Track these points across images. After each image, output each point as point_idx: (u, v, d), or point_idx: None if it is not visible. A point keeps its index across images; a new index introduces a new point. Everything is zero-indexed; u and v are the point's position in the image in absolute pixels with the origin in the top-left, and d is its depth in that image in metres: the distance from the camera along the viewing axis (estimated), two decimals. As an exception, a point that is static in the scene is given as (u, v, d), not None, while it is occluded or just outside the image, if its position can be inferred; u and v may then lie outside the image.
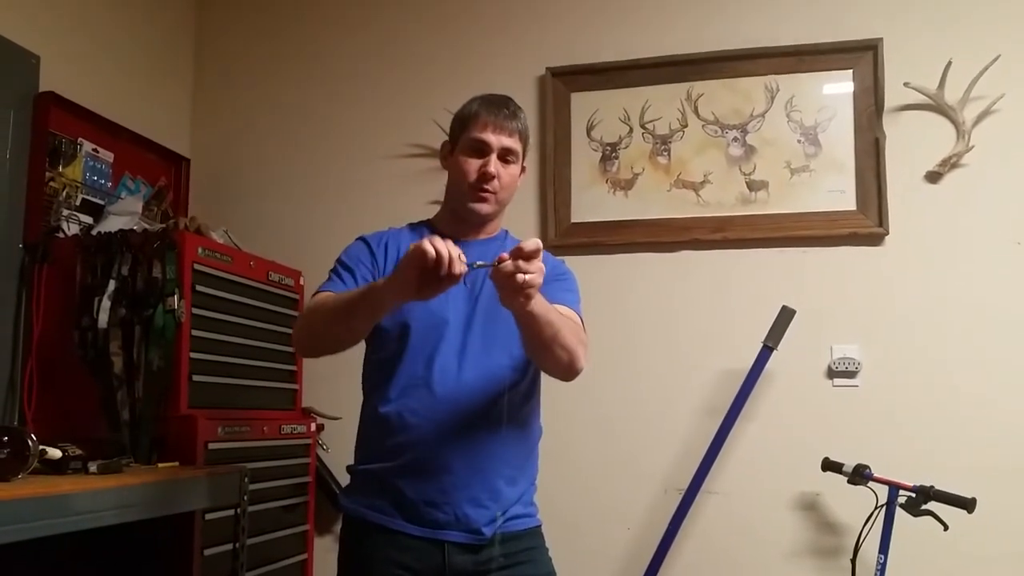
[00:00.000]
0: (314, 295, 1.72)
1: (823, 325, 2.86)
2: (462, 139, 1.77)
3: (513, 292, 1.37)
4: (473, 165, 1.74)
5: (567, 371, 1.62)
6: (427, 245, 1.35)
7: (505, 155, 1.75)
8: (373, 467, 1.70)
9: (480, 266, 1.42)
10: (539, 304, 1.46)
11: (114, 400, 2.44)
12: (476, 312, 1.71)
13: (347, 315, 1.55)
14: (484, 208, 1.75)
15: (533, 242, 1.36)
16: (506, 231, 1.87)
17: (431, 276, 1.37)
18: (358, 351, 1.80)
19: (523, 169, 1.83)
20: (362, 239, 1.81)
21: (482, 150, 1.74)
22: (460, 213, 1.77)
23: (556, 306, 1.59)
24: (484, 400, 1.67)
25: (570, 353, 1.58)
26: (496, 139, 1.73)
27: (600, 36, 3.18)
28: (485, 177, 1.73)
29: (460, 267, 1.37)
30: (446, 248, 1.36)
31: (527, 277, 1.35)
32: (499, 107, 1.76)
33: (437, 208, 1.90)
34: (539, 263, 1.37)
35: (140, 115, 3.18)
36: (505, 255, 1.36)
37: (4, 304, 2.62)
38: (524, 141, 1.79)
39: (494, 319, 1.69)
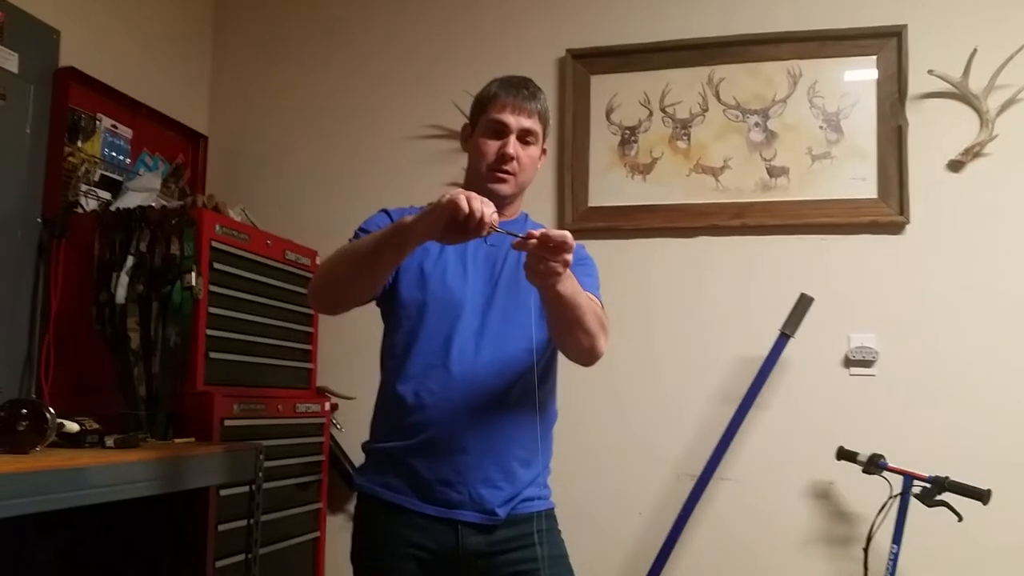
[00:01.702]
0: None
1: (841, 314, 2.85)
2: (481, 121, 1.76)
3: (532, 272, 1.39)
4: (492, 146, 1.73)
5: (588, 355, 1.62)
6: (462, 200, 1.36)
7: (524, 136, 1.74)
8: (388, 446, 1.70)
9: (505, 232, 1.42)
10: (567, 285, 1.47)
11: (131, 376, 2.45)
12: (496, 293, 1.71)
13: (373, 252, 1.53)
14: (503, 189, 1.74)
15: (560, 234, 1.36)
16: (526, 214, 1.87)
17: (458, 226, 1.38)
18: (375, 331, 1.80)
19: (543, 151, 1.82)
20: (384, 211, 1.81)
21: (501, 131, 1.73)
22: (481, 194, 1.76)
23: None
24: (501, 382, 1.67)
25: (592, 338, 1.58)
26: (515, 120, 1.72)
27: (621, 18, 3.15)
28: (504, 158, 1.72)
29: (487, 228, 1.38)
30: (480, 206, 1.37)
31: (551, 266, 1.36)
32: (518, 88, 1.75)
33: (454, 189, 1.89)
34: (566, 256, 1.37)
35: (159, 92, 3.18)
36: (535, 232, 1.36)
37: (22, 278, 2.63)
38: (544, 122, 1.78)
39: (514, 301, 1.69)
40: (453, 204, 1.36)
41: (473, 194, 1.38)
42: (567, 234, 1.36)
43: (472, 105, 1.82)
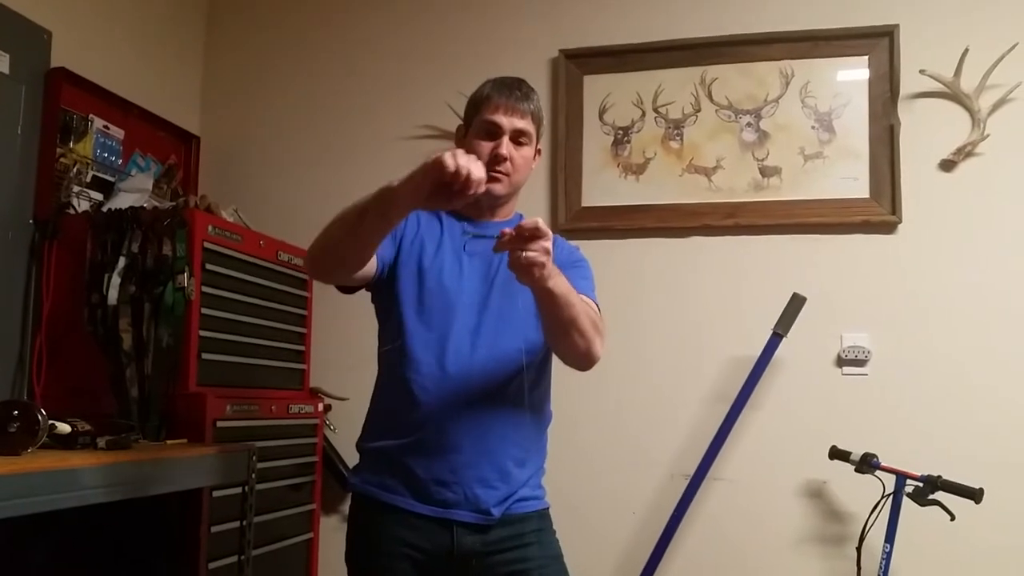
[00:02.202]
0: None
1: (834, 313, 2.85)
2: (475, 122, 1.77)
3: (516, 269, 1.38)
4: (485, 147, 1.73)
5: (584, 359, 1.61)
6: (447, 158, 1.34)
7: (518, 137, 1.74)
8: (383, 445, 1.70)
9: (480, 236, 1.41)
10: (558, 284, 1.46)
11: (123, 377, 2.44)
12: (492, 293, 1.71)
13: (359, 216, 1.50)
14: (497, 189, 1.74)
15: (531, 222, 1.36)
16: (520, 215, 1.87)
17: (443, 190, 1.37)
18: (369, 331, 1.80)
19: (538, 152, 1.82)
20: None
21: (494, 132, 1.73)
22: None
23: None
24: (496, 381, 1.67)
25: (587, 340, 1.57)
26: (508, 121, 1.73)
27: (614, 18, 3.16)
28: (497, 159, 1.72)
29: (476, 188, 1.36)
30: (467, 163, 1.35)
31: (528, 255, 1.35)
32: (511, 89, 1.76)
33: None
34: (543, 243, 1.37)
35: (151, 92, 3.17)
36: (507, 230, 1.36)
37: (14, 279, 2.62)
38: (537, 123, 1.79)
39: (510, 301, 1.68)
40: (439, 163, 1.34)
41: (460, 151, 1.36)
42: (537, 219, 1.36)
43: (466, 106, 1.83)
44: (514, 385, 1.69)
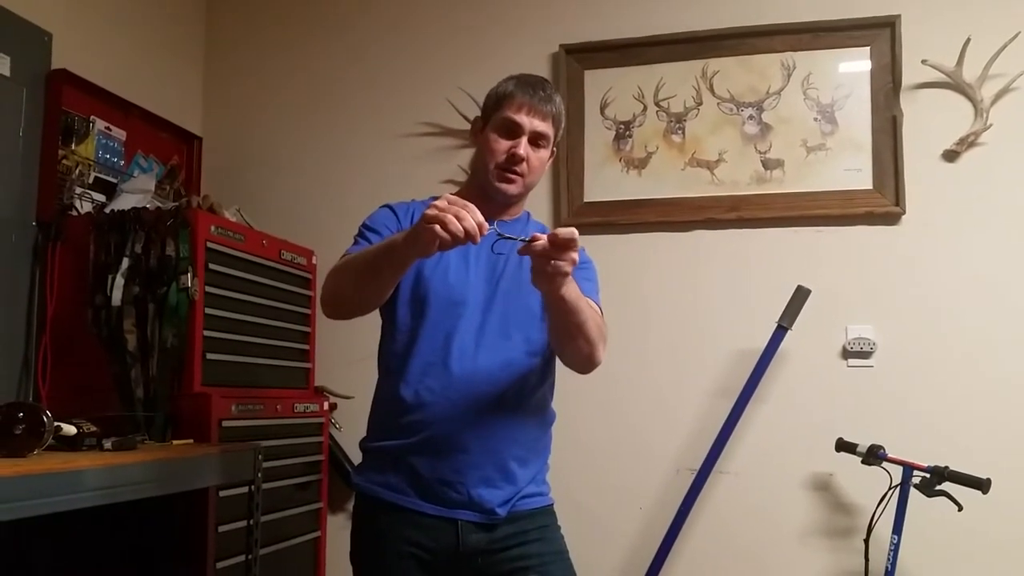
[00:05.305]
0: (341, 258, 1.69)
1: (838, 305, 2.85)
2: (495, 117, 1.75)
3: (539, 275, 1.38)
4: (503, 145, 1.72)
5: (586, 363, 1.63)
6: (438, 230, 1.33)
7: (536, 139, 1.73)
8: (387, 444, 1.70)
9: (508, 238, 1.41)
10: (571, 291, 1.47)
11: (128, 377, 2.44)
12: (497, 293, 1.71)
13: (374, 271, 1.53)
14: (511, 189, 1.74)
15: (568, 231, 1.35)
16: (528, 213, 1.87)
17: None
18: (372, 329, 1.80)
19: (553, 153, 1.81)
20: (388, 206, 1.80)
21: (514, 131, 1.72)
22: (487, 191, 1.75)
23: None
24: (499, 381, 1.67)
25: (592, 345, 1.58)
26: (529, 121, 1.71)
27: (614, 12, 3.15)
28: (514, 159, 1.71)
29: (480, 233, 1.35)
30: (458, 226, 1.33)
31: (557, 264, 1.35)
32: (536, 89, 1.74)
33: (449, 187, 1.89)
34: (572, 254, 1.36)
35: (152, 93, 3.17)
36: (539, 234, 1.35)
37: (18, 282, 2.62)
38: (557, 126, 1.77)
39: (514, 302, 1.68)
40: (431, 235, 1.33)
41: (448, 215, 1.33)
42: (574, 230, 1.35)
43: (485, 100, 1.80)
44: (518, 384, 1.69)
